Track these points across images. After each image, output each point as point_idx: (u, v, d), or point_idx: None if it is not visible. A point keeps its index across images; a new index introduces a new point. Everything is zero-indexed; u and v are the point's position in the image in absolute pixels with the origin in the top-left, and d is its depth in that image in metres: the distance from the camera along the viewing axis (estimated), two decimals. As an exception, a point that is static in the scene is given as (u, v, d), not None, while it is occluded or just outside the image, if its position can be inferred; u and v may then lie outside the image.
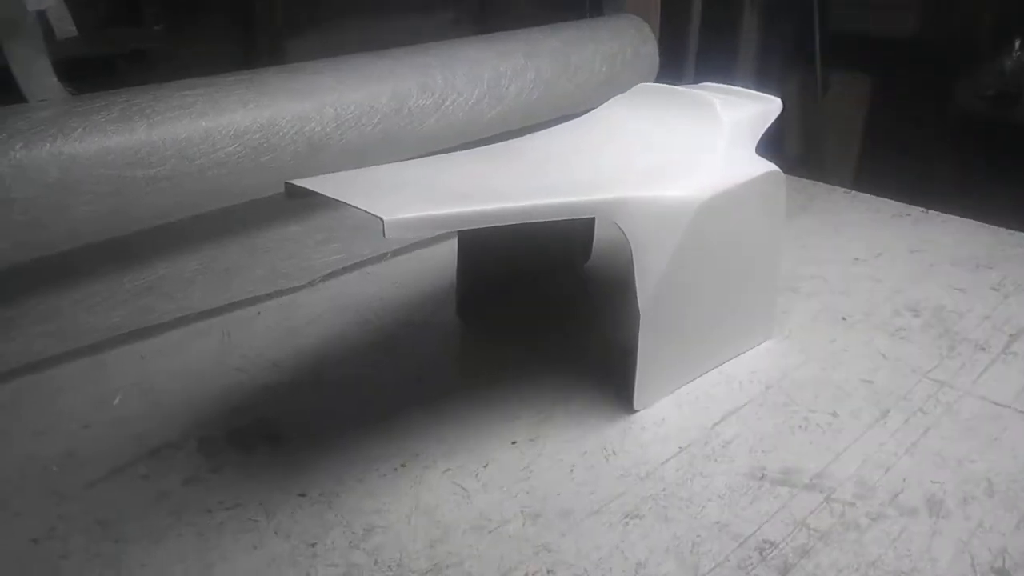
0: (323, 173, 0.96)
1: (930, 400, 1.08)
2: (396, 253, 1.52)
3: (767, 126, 1.22)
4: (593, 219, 1.36)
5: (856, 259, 1.51)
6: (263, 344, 1.24)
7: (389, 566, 0.82)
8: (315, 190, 0.85)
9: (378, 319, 1.32)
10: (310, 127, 1.27)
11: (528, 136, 1.22)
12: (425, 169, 1.05)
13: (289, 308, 1.36)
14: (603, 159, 1.12)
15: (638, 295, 0.99)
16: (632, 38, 1.82)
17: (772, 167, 1.12)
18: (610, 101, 1.25)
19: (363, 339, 1.27)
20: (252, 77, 1.29)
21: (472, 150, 1.15)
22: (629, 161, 1.10)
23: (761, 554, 0.83)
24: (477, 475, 0.95)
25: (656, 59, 1.89)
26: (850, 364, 1.17)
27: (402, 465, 0.97)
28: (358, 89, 1.34)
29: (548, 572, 0.81)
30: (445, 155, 1.18)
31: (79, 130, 1.07)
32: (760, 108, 1.21)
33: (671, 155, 1.11)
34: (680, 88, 1.25)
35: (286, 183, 0.88)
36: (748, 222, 1.12)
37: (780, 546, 0.84)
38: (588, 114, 1.24)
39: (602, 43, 1.75)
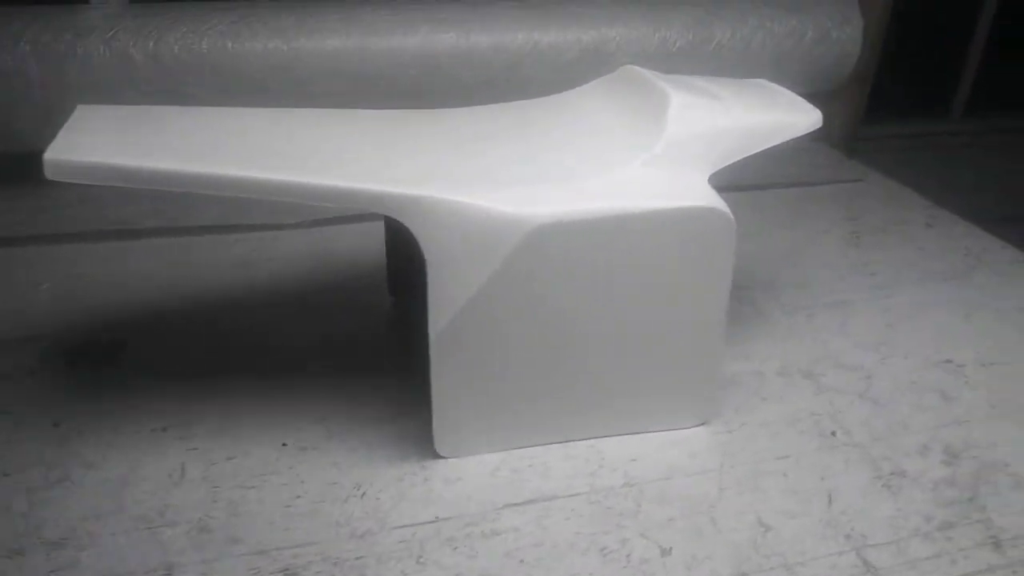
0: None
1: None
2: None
3: (773, 144, 0.89)
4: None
5: (948, 361, 1.07)
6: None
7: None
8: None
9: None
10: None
11: (481, 107, 1.03)
12: (233, 121, 0.93)
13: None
14: (499, 149, 0.90)
15: (430, 321, 0.79)
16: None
17: (709, 203, 0.81)
18: (592, 82, 1.01)
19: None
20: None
21: (391, 112, 1.01)
22: (519, 156, 0.88)
23: None
24: (216, 464, 0.85)
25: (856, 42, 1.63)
26: (764, 499, 0.84)
27: (163, 429, 0.90)
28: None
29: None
30: (320, 112, 1.01)
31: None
32: (766, 121, 0.89)
33: (572, 160, 0.86)
34: (659, 79, 0.95)
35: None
36: (650, 268, 0.82)
37: None
38: (559, 94, 1.02)
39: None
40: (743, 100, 0.96)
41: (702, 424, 0.94)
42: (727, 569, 0.74)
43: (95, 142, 0.76)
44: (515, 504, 0.82)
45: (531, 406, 0.87)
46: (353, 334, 1.10)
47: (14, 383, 0.97)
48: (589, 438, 0.90)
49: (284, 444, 0.89)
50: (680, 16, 1.53)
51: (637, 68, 0.98)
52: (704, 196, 0.82)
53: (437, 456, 0.87)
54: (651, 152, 0.84)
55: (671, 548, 0.77)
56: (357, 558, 0.74)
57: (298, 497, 0.81)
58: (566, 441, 0.90)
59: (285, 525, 0.78)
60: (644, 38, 1.51)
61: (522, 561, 0.75)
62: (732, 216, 0.81)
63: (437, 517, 0.80)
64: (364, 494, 0.82)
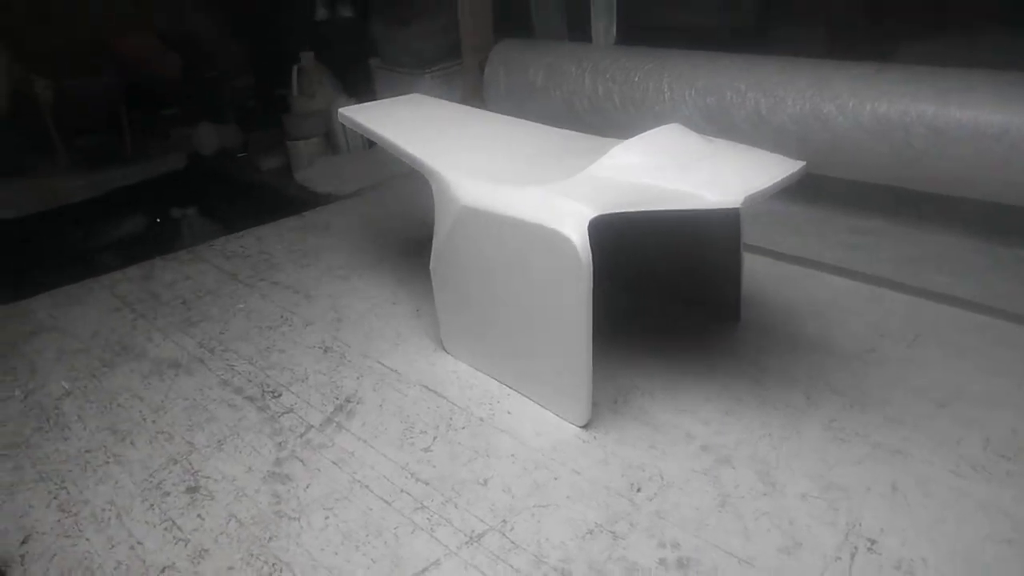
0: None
1: None
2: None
3: (671, 208, 0.95)
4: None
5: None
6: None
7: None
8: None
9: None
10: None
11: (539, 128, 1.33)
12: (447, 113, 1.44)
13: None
14: (509, 156, 1.22)
15: (434, 239, 1.21)
16: None
17: (559, 228, 0.98)
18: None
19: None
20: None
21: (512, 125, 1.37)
22: (514, 162, 1.19)
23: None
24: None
25: None
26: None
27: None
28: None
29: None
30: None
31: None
32: (678, 192, 0.95)
33: (533, 173, 1.11)
34: (650, 137, 1.07)
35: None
36: (529, 266, 1.04)
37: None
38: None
39: None
40: (701, 167, 0.98)
41: (583, 427, 1.07)
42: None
43: (371, 111, 1.44)
44: (429, 392, 1.19)
45: (479, 340, 1.19)
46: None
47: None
48: (516, 390, 1.16)
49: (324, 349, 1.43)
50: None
51: (678, 126, 1.09)
52: (563, 223, 0.98)
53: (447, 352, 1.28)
54: (565, 181, 1.03)
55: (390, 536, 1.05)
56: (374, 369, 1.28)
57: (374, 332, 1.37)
58: (501, 383, 1.18)
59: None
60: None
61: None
62: (576, 241, 0.96)
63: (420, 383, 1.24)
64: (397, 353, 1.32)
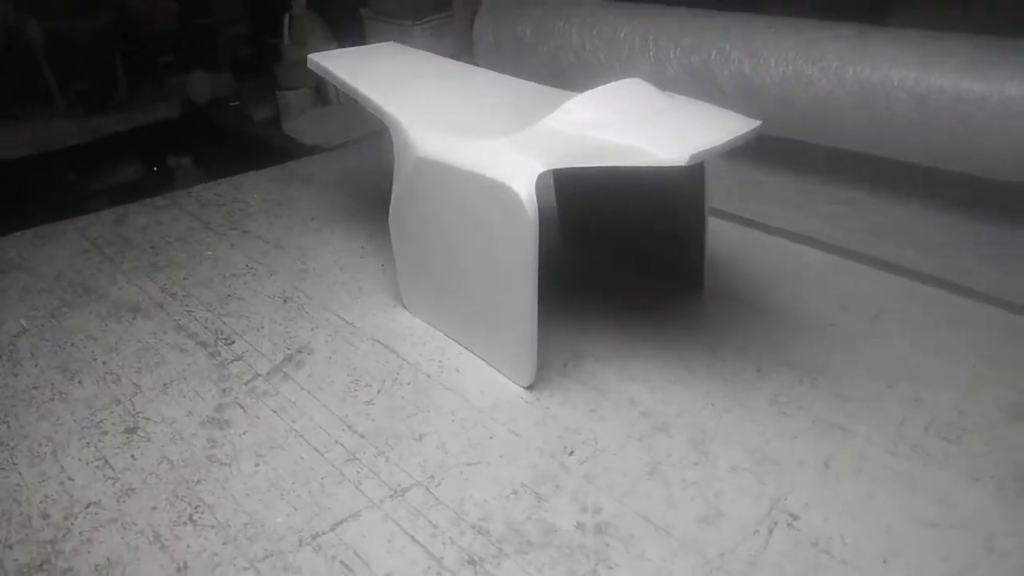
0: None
1: None
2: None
3: (620, 164, 0.92)
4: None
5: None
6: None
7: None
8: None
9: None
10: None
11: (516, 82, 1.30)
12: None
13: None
14: (476, 108, 1.21)
15: (392, 191, 1.19)
16: None
17: (508, 182, 0.96)
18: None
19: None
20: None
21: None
22: (478, 114, 1.17)
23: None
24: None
25: None
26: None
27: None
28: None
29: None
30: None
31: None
32: (630, 146, 0.92)
33: (492, 125, 1.08)
34: (611, 90, 1.03)
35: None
36: (480, 221, 1.02)
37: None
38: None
39: None
40: (655, 123, 0.95)
41: (527, 388, 1.06)
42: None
43: (342, 58, 1.41)
44: (380, 346, 1.18)
45: (434, 296, 1.18)
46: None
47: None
48: (468, 349, 1.15)
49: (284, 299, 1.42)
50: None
51: (637, 80, 1.05)
52: (512, 176, 0.96)
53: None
54: (518, 134, 1.01)
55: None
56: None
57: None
58: (453, 341, 1.17)
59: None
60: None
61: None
62: (523, 196, 0.94)
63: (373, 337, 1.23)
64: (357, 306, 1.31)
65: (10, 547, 0.83)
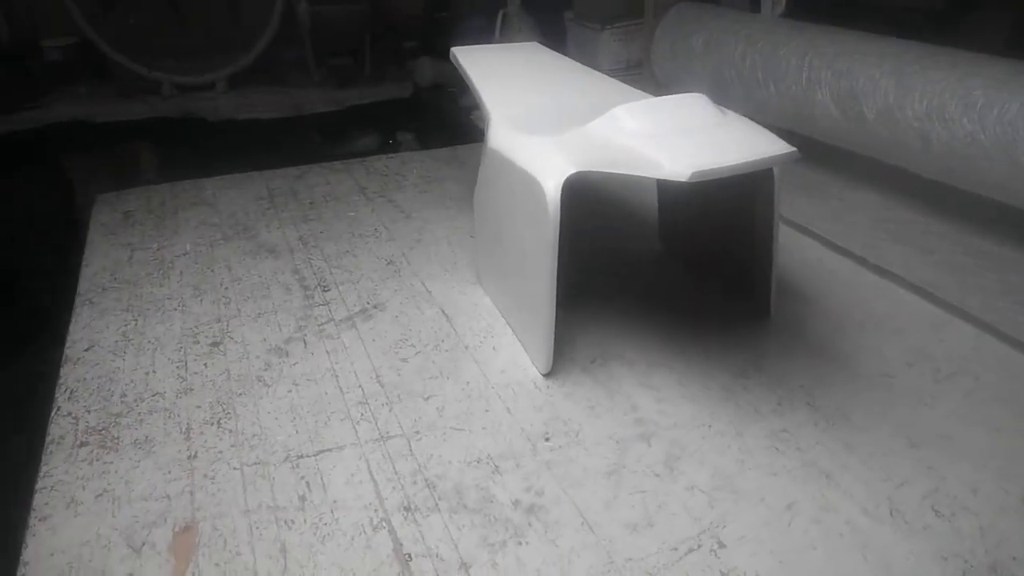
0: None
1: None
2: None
3: (636, 175, 0.95)
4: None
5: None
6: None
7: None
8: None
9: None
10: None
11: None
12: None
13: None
14: (555, 107, 1.27)
15: (479, 176, 1.29)
16: None
17: (539, 176, 1.02)
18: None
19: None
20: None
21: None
22: (553, 110, 1.23)
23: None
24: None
25: None
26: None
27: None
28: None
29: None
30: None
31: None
32: (644, 157, 0.94)
33: (558, 124, 1.13)
34: (662, 103, 1.06)
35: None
36: (521, 211, 1.09)
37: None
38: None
39: None
40: (686, 137, 0.94)
41: (545, 376, 1.10)
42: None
43: (479, 53, 1.52)
44: (442, 315, 1.28)
45: (496, 277, 1.26)
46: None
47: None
48: (513, 331, 1.21)
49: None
50: None
51: (698, 95, 1.04)
52: (544, 173, 1.02)
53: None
54: (565, 134, 1.05)
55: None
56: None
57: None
58: (506, 322, 1.24)
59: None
60: None
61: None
62: (548, 192, 1.00)
63: (440, 307, 1.35)
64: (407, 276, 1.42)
65: (88, 411, 1.06)
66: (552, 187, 1.00)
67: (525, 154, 1.08)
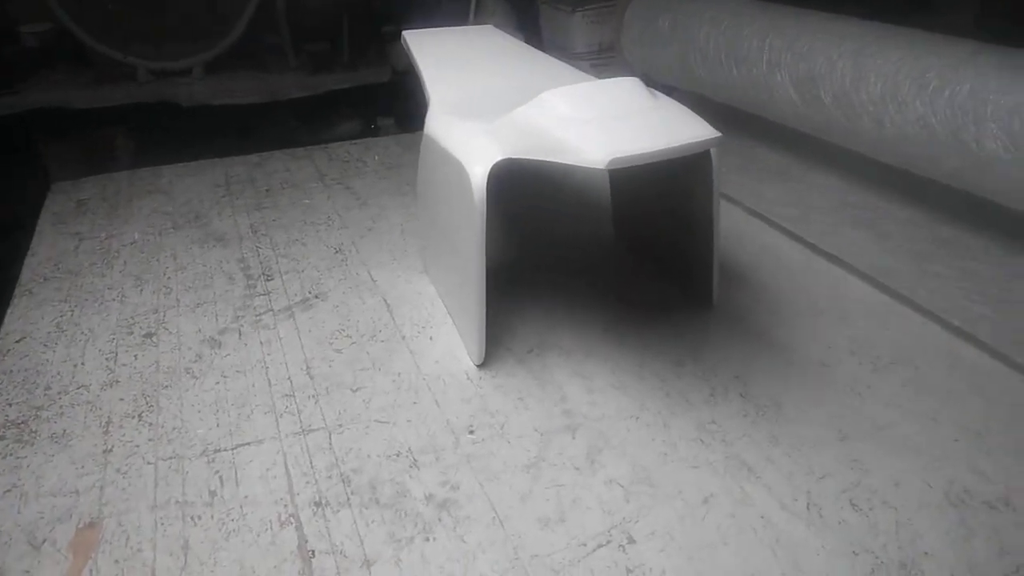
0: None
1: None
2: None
3: (561, 162, 0.92)
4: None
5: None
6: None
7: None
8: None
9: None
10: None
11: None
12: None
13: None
14: (498, 94, 1.21)
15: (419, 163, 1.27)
16: None
17: (465, 162, 0.99)
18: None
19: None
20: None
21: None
22: (495, 99, 1.18)
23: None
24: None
25: None
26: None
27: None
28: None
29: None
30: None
31: None
32: (570, 143, 0.91)
33: (496, 109, 1.10)
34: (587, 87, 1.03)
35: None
36: (453, 198, 1.06)
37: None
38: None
39: None
40: (616, 124, 0.91)
41: (479, 366, 1.08)
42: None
43: (430, 36, 1.49)
44: (384, 305, 1.26)
45: (437, 266, 1.23)
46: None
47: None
48: (455, 321, 1.19)
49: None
50: None
51: (632, 80, 1.01)
52: (470, 158, 0.99)
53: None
54: (496, 120, 1.02)
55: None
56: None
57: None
58: (447, 312, 1.21)
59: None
60: None
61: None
62: (475, 179, 0.97)
63: (383, 296, 1.33)
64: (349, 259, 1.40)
65: (10, 405, 1.04)
66: (479, 174, 0.97)
67: (455, 140, 1.05)
